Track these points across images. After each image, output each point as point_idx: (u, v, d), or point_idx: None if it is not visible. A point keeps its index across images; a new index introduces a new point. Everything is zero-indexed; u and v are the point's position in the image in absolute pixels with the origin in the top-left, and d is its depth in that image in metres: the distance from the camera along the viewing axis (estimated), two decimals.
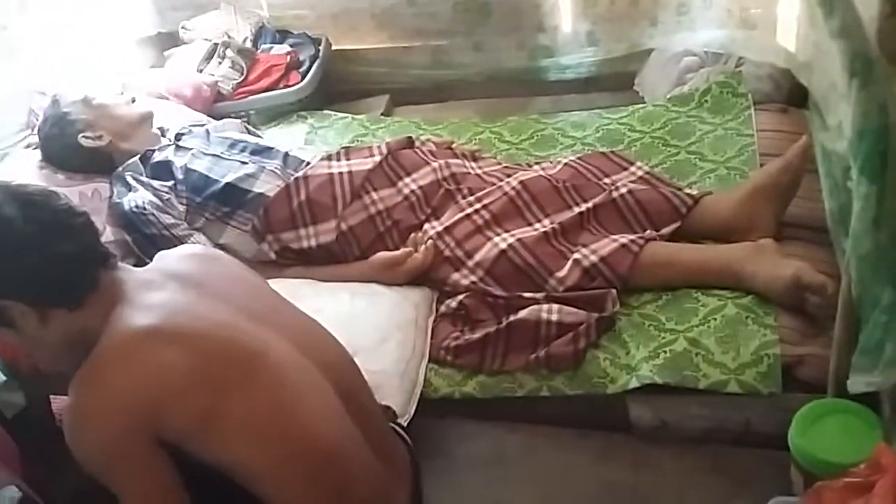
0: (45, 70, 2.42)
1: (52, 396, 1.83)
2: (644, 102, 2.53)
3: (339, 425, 1.29)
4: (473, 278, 1.80)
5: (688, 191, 1.95)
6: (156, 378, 1.15)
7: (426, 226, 1.94)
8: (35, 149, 2.26)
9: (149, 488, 1.17)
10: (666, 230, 1.84)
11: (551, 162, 2.15)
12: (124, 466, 1.16)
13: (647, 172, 2.02)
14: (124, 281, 1.25)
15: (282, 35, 2.94)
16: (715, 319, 1.64)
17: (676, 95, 2.43)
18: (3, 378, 1.72)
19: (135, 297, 1.22)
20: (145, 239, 1.94)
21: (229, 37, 2.86)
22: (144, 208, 1.96)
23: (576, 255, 1.77)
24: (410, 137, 2.18)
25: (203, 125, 2.35)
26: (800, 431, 1.33)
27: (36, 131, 2.24)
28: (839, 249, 1.68)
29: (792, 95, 2.27)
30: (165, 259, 1.38)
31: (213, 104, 2.70)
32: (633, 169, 2.04)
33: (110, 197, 2.07)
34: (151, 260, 1.39)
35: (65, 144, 2.13)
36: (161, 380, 1.15)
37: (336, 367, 1.34)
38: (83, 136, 2.13)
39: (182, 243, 1.91)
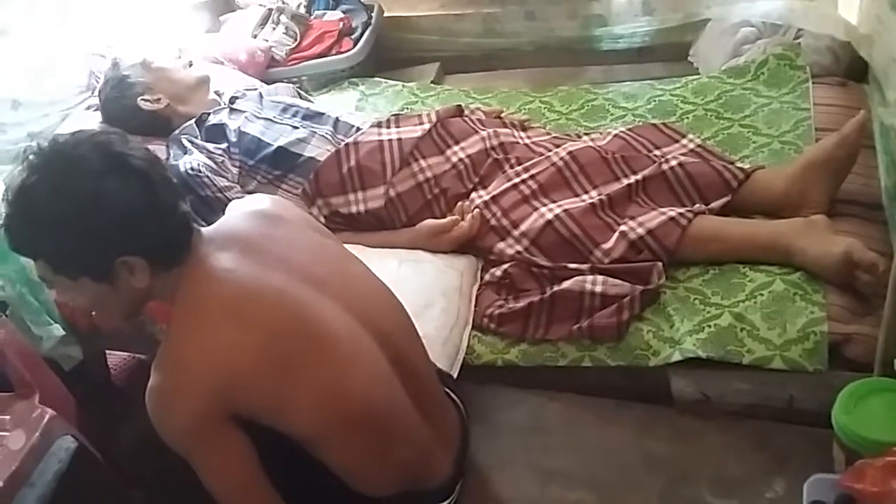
0: (104, 33, 2.46)
1: (107, 351, 1.89)
2: (698, 74, 2.48)
3: (385, 392, 1.32)
4: (519, 248, 1.81)
5: (740, 165, 1.92)
6: (228, 361, 1.18)
7: (473, 194, 1.94)
8: (95, 110, 2.32)
9: (228, 464, 1.22)
10: (716, 204, 1.81)
11: (601, 133, 2.13)
12: (204, 445, 1.21)
13: (699, 145, 1.99)
14: (195, 243, 1.26)
15: (335, 1, 2.96)
16: (762, 295, 1.63)
17: (732, 67, 2.38)
18: (62, 332, 1.79)
19: (203, 263, 1.24)
20: (199, 200, 1.97)
21: (283, 2, 2.88)
22: (199, 171, 2.00)
23: (622, 228, 1.76)
24: (460, 106, 2.18)
25: (256, 89, 2.38)
26: (844, 409, 1.32)
27: (96, 93, 2.29)
28: (894, 227, 1.65)
29: (851, 69, 2.21)
30: (234, 214, 1.39)
31: (267, 70, 2.72)
32: (684, 141, 2.01)
33: (166, 159, 2.11)
34: (204, 221, 1.42)
35: (124, 106, 2.18)
36: (233, 363, 1.18)
37: (390, 334, 1.36)
38: (142, 99, 2.18)
39: None
